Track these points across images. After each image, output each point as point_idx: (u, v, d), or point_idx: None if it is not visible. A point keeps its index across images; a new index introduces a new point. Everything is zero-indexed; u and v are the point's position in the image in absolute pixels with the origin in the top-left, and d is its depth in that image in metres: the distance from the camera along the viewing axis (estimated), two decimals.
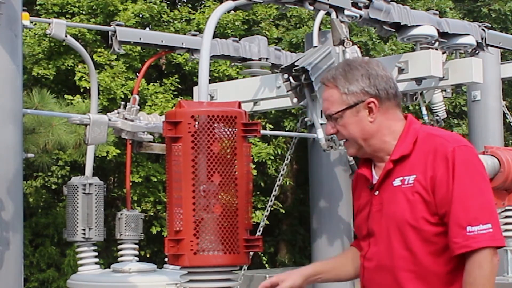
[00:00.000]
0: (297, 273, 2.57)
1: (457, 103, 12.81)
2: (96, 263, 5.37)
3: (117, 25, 5.23)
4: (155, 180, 11.72)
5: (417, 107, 10.97)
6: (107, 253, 11.44)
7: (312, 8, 4.32)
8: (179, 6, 13.06)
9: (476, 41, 5.35)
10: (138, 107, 5.03)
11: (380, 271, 2.42)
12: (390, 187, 2.41)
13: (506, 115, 7.74)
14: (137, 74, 10.93)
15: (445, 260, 2.34)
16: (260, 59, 5.77)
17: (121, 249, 5.47)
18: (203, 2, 12.96)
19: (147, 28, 11.61)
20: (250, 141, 2.92)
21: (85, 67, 10.91)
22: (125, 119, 4.93)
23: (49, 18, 6.64)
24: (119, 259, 5.45)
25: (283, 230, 13.84)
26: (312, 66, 3.99)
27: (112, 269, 5.21)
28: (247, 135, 2.81)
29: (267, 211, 6.55)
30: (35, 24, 9.92)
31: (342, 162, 5.85)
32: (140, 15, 11.69)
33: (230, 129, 2.77)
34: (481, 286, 2.26)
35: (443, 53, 5.41)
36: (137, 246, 5.53)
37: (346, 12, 4.41)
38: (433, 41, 5.21)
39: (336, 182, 5.82)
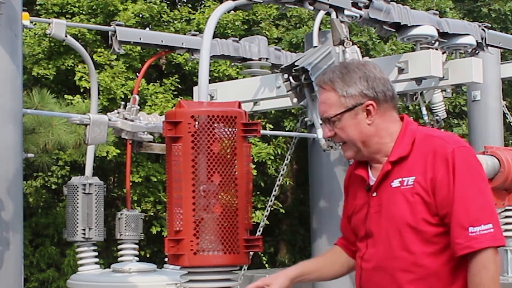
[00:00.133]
0: (282, 275, 2.56)
1: (457, 103, 12.81)
2: (96, 263, 5.37)
3: (117, 25, 5.23)
4: (155, 180, 11.72)
5: (417, 107, 10.97)
6: (107, 253, 11.44)
7: (312, 8, 4.31)
8: (179, 6, 13.06)
9: (476, 41, 5.35)
10: (138, 107, 5.03)
11: (379, 272, 2.42)
12: (389, 189, 2.41)
13: (506, 115, 7.74)
14: (137, 74, 10.93)
15: (445, 260, 2.35)
16: (260, 59, 5.77)
17: (121, 249, 5.48)
18: (203, 2, 12.96)
19: (147, 28, 11.61)
20: (250, 141, 2.92)
21: (85, 67, 10.91)
22: (125, 119, 4.93)
23: (49, 18, 6.65)
24: (119, 259, 5.45)
25: (283, 230, 13.84)
26: (312, 66, 3.99)
27: (112, 269, 5.21)
28: (247, 135, 2.82)
29: (267, 211, 6.55)
30: (35, 24, 9.92)
31: (342, 162, 5.85)
32: (140, 15, 11.69)
33: (230, 129, 2.77)
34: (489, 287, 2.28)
35: (443, 53, 5.41)
36: (137, 246, 5.53)
37: (346, 12, 4.41)
38: (433, 41, 5.21)
39: (336, 182, 5.82)
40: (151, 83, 11.76)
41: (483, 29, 5.43)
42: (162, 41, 5.43)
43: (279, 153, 12.15)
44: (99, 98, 7.89)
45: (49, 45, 11.27)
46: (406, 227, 2.35)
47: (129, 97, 8.00)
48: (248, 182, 2.80)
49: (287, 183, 13.03)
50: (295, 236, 13.73)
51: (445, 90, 6.69)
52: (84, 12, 11.72)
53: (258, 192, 12.31)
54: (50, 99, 8.51)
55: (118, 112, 4.98)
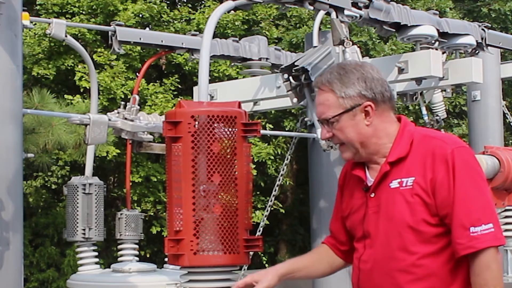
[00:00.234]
0: (272, 271, 2.55)
1: (457, 103, 12.82)
2: (96, 263, 5.37)
3: (117, 25, 5.23)
4: (155, 180, 11.73)
5: (417, 107, 10.98)
6: (107, 253, 11.45)
7: (312, 8, 4.31)
8: (179, 6, 13.07)
9: (476, 41, 5.35)
10: (138, 107, 5.03)
11: (378, 273, 2.42)
12: (387, 189, 2.41)
13: (506, 115, 7.73)
14: (137, 74, 10.93)
15: (444, 261, 2.35)
16: (260, 59, 5.76)
17: (121, 249, 5.48)
18: (203, 2, 12.96)
19: (147, 28, 11.62)
20: (250, 141, 2.92)
21: (85, 67, 10.91)
22: (125, 119, 4.93)
23: (49, 18, 6.65)
24: (119, 259, 5.45)
25: (283, 230, 13.85)
26: (312, 66, 3.99)
27: (112, 269, 5.21)
28: (247, 135, 2.82)
29: (267, 211, 6.54)
30: (35, 24, 9.92)
31: (342, 162, 5.80)
32: (140, 15, 11.69)
33: (230, 129, 2.78)
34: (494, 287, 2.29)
35: (443, 53, 5.40)
36: (137, 246, 5.53)
37: (346, 12, 4.41)
38: (433, 41, 5.21)
39: (336, 182, 5.80)
40: (151, 83, 11.76)
41: (483, 29, 5.43)
42: (162, 41, 5.42)
43: (279, 153, 12.15)
44: (99, 98, 7.89)
45: (49, 45, 11.28)
46: (405, 228, 2.35)
47: (129, 97, 8.00)
48: (248, 182, 2.80)
49: (287, 183, 13.03)
50: (295, 236, 13.74)
51: (445, 90, 6.69)
52: (84, 12, 11.73)
53: (258, 192, 12.31)
54: (50, 99, 8.51)
55: (118, 112, 4.98)
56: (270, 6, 12.22)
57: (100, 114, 5.10)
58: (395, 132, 2.45)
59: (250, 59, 5.74)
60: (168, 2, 13.05)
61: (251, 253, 2.86)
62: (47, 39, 11.11)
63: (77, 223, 5.19)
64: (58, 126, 8.09)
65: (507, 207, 5.36)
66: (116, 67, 11.42)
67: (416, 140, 2.42)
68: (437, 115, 6.98)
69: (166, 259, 5.00)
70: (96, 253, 5.39)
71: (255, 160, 11.65)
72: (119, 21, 7.12)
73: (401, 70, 5.12)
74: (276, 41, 12.28)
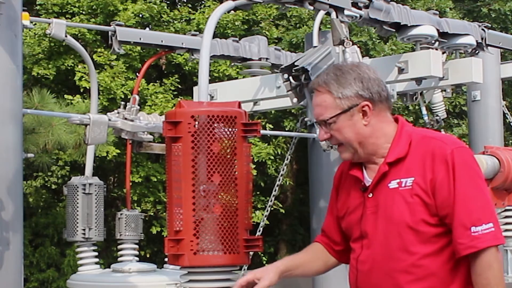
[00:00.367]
0: (272, 269, 2.54)
1: (457, 103, 12.82)
2: (96, 263, 5.37)
3: (117, 25, 5.23)
4: (155, 180, 11.73)
5: (417, 107, 10.98)
6: (107, 253, 11.45)
7: (312, 8, 4.31)
8: (179, 6, 13.07)
9: (476, 41, 5.34)
10: (138, 107, 5.03)
11: (377, 273, 2.41)
12: (386, 190, 2.41)
13: (506, 115, 7.73)
14: (137, 74, 10.94)
15: (444, 261, 2.35)
16: (260, 59, 5.76)
17: (121, 249, 5.48)
18: (203, 2, 12.97)
19: (147, 28, 11.62)
20: (250, 141, 2.92)
21: (85, 67, 10.91)
22: (125, 119, 4.93)
23: (49, 18, 6.65)
24: (119, 259, 5.45)
25: (283, 230, 13.85)
26: (312, 66, 3.99)
27: (112, 269, 5.21)
28: (247, 135, 2.82)
29: (267, 211, 6.55)
30: (35, 24, 9.92)
31: (341, 162, 5.83)
32: (140, 15, 11.70)
33: (230, 129, 2.78)
34: (496, 287, 2.30)
35: (443, 53, 5.40)
36: (137, 246, 5.53)
37: (346, 12, 4.40)
38: (433, 41, 5.20)
39: None
40: (151, 83, 11.76)
41: (483, 29, 5.43)
42: (162, 41, 5.42)
43: (279, 153, 12.15)
44: (99, 98, 7.89)
45: (49, 45, 11.28)
46: (405, 228, 2.36)
47: (129, 97, 8.00)
48: (248, 182, 2.80)
49: (287, 183, 13.03)
50: (295, 236, 13.74)
51: (445, 90, 6.69)
52: (84, 12, 11.73)
53: (258, 192, 12.31)
54: (50, 99, 8.51)
55: (118, 112, 4.98)
56: (270, 6, 12.22)
57: (100, 114, 5.10)
58: (393, 132, 2.46)
59: (250, 59, 5.74)
60: (168, 2, 13.05)
61: (251, 253, 2.86)
62: (47, 39, 11.11)
63: (77, 223, 5.19)
64: (58, 126, 8.09)
65: (507, 207, 5.35)
66: (116, 67, 11.43)
67: (414, 140, 2.42)
68: (437, 115, 6.98)
69: (166, 259, 5.00)
70: (96, 253, 5.39)
71: (255, 160, 11.65)
72: (119, 21, 7.12)
73: (401, 70, 5.12)
74: (276, 41, 12.28)
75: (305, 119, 6.09)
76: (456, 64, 5.45)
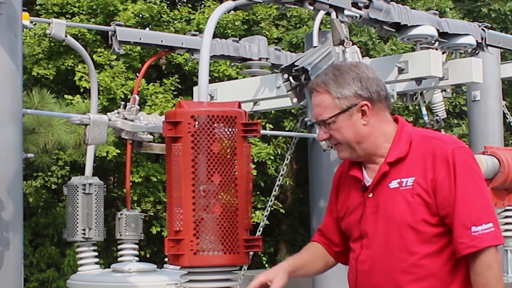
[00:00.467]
0: (282, 270, 2.54)
1: (457, 103, 12.81)
2: (96, 263, 5.38)
3: (117, 25, 5.23)
4: (155, 180, 11.72)
5: (417, 107, 10.97)
6: (107, 253, 11.45)
7: (312, 8, 4.31)
8: (179, 6, 13.07)
9: (476, 41, 5.34)
10: (138, 107, 5.03)
11: (377, 273, 2.41)
12: (386, 189, 2.41)
13: (506, 115, 7.73)
14: (137, 74, 10.93)
15: (444, 260, 2.36)
16: (260, 59, 5.76)
17: (121, 249, 5.48)
18: (203, 2, 12.96)
19: (147, 28, 11.62)
20: (250, 141, 2.92)
21: (85, 67, 10.91)
22: (125, 119, 4.93)
23: (49, 18, 6.65)
24: (119, 259, 5.45)
25: (283, 230, 13.84)
26: (312, 66, 3.99)
27: (112, 269, 5.21)
28: (247, 135, 2.82)
29: (267, 211, 6.55)
30: (35, 24, 9.92)
31: (341, 162, 5.83)
32: (140, 15, 11.69)
33: (230, 129, 2.77)
34: (495, 287, 2.30)
35: (443, 53, 5.40)
36: (137, 246, 5.53)
37: (346, 12, 4.40)
38: (433, 41, 5.21)
39: None
40: (151, 83, 11.76)
41: (483, 29, 5.43)
42: (162, 41, 5.43)
43: (279, 153, 12.15)
44: (99, 98, 7.89)
45: (49, 45, 11.27)
46: (406, 228, 2.36)
47: (129, 97, 8.00)
48: (248, 182, 2.80)
49: (287, 183, 13.03)
50: (295, 236, 13.73)
51: (445, 90, 6.69)
52: (84, 12, 11.72)
53: (258, 192, 12.31)
54: (50, 99, 8.51)
55: (118, 112, 4.98)
56: (270, 6, 12.22)
57: (100, 114, 5.10)
58: (392, 132, 2.46)
59: (250, 59, 5.74)
60: (168, 2, 13.05)
61: (251, 253, 2.86)
62: (47, 39, 11.11)
63: (77, 223, 5.19)
64: (58, 126, 8.09)
65: (507, 207, 5.35)
66: (116, 67, 11.42)
67: (415, 140, 2.42)
68: (437, 115, 6.98)
69: (166, 259, 5.00)
70: (96, 253, 5.39)
71: (255, 160, 11.64)
72: (119, 21, 7.12)
73: (401, 70, 5.12)
74: (276, 41, 12.28)
75: (305, 119, 6.09)
76: (456, 64, 5.45)
